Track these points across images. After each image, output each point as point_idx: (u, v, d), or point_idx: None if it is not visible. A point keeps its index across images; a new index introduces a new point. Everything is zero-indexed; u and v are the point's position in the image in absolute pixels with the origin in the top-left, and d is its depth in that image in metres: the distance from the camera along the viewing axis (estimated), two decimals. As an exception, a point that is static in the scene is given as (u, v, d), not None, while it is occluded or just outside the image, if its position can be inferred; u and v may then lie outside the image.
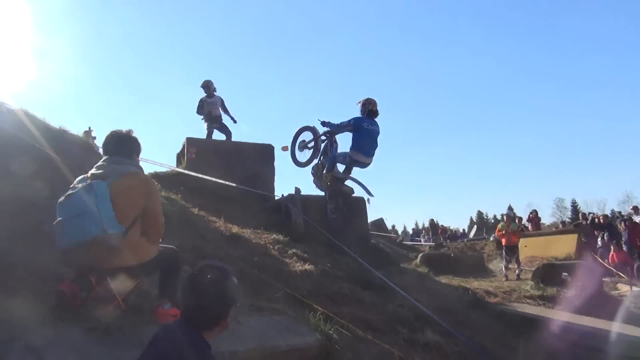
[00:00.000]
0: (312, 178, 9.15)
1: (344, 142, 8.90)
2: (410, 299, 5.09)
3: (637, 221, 14.08)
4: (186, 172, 8.66)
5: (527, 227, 18.39)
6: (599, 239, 14.63)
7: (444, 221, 51.18)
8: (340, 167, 8.59)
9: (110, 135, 3.26)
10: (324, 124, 8.53)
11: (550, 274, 10.00)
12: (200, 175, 8.21)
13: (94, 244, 2.79)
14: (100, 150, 8.04)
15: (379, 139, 8.17)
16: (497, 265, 14.24)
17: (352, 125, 8.10)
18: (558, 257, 13.45)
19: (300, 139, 9.34)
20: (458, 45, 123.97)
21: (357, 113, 8.22)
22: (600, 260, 12.79)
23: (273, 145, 10.45)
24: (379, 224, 23.22)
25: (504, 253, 12.89)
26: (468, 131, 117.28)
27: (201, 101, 11.08)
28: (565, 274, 9.69)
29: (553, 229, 19.69)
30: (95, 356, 2.70)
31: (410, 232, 48.55)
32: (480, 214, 77.72)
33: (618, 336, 5.85)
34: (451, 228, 31.40)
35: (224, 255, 5.38)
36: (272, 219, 8.35)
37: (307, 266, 5.85)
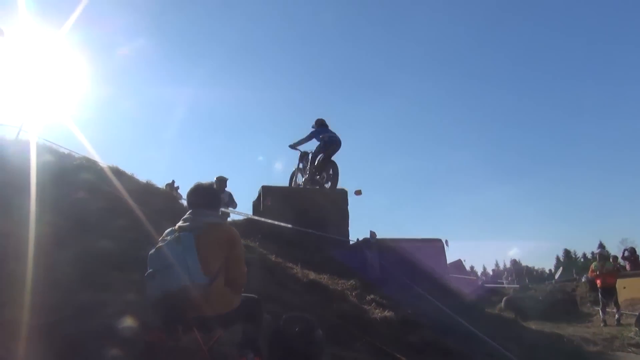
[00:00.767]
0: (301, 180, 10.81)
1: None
2: (501, 348, 4.77)
3: None
4: (263, 219, 8.86)
5: (624, 267, 16.81)
6: None
7: (526, 261, 48.09)
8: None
9: (194, 189, 3.41)
10: (292, 147, 10.66)
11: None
12: (276, 223, 8.38)
13: (182, 294, 2.87)
14: (182, 201, 8.63)
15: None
16: (593, 309, 13.09)
17: (312, 136, 10.34)
18: (663, 300, 12.14)
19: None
20: (535, 83, 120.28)
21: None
22: None
23: (346, 189, 10.49)
24: (458, 265, 22.30)
25: (600, 296, 11.79)
26: (548, 166, 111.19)
27: None
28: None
29: (655, 268, 17.83)
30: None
31: (491, 273, 46.05)
32: (567, 252, 72.32)
33: None
34: (536, 268, 29.47)
35: (302, 302, 5.36)
36: (348, 263, 8.27)
37: (386, 313, 5.69)
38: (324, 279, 6.71)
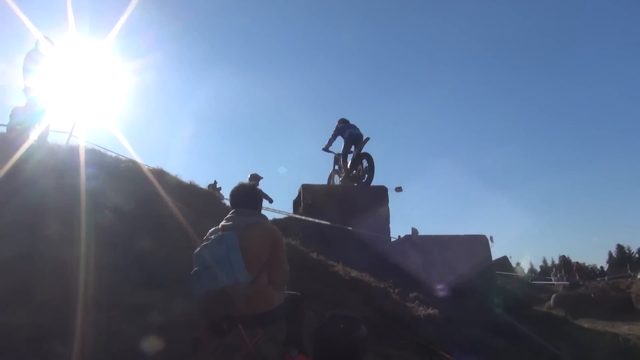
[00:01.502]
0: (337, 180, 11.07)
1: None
2: (552, 347, 4.61)
3: None
4: (303, 217, 8.91)
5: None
6: None
7: (576, 257, 46.10)
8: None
9: (236, 189, 3.46)
10: (325, 149, 10.99)
11: None
12: (317, 221, 8.40)
13: (226, 292, 2.92)
14: (224, 201, 8.79)
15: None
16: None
17: (335, 134, 10.78)
18: None
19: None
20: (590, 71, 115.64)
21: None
22: None
23: (386, 186, 10.41)
24: (503, 262, 21.72)
25: (657, 292, 11.25)
26: (599, 157, 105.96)
27: None
28: None
29: None
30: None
31: (538, 270, 44.46)
32: (620, 247, 69.06)
33: None
34: (586, 265, 28.28)
35: (344, 300, 5.36)
36: (390, 261, 8.20)
37: (430, 311, 5.61)
38: (366, 276, 6.67)
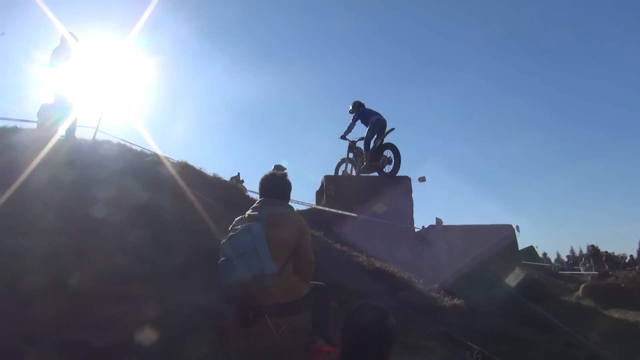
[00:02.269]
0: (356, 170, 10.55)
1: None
2: (581, 337, 4.52)
3: None
4: (327, 209, 8.92)
5: None
6: None
7: (605, 247, 44.99)
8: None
9: (265, 178, 3.45)
10: (343, 137, 10.55)
11: None
12: (340, 212, 8.40)
13: (253, 282, 2.95)
14: (248, 193, 8.87)
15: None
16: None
17: (355, 119, 10.30)
18: None
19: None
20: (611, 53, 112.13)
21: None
22: None
23: (410, 177, 10.30)
24: (530, 252, 21.32)
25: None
26: (627, 141, 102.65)
27: None
28: None
29: None
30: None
31: (566, 259, 43.57)
32: (651, 236, 67.28)
33: None
34: (616, 254, 27.58)
35: (369, 290, 5.35)
36: (414, 251, 8.16)
37: (456, 301, 5.56)
38: (390, 266, 6.65)
